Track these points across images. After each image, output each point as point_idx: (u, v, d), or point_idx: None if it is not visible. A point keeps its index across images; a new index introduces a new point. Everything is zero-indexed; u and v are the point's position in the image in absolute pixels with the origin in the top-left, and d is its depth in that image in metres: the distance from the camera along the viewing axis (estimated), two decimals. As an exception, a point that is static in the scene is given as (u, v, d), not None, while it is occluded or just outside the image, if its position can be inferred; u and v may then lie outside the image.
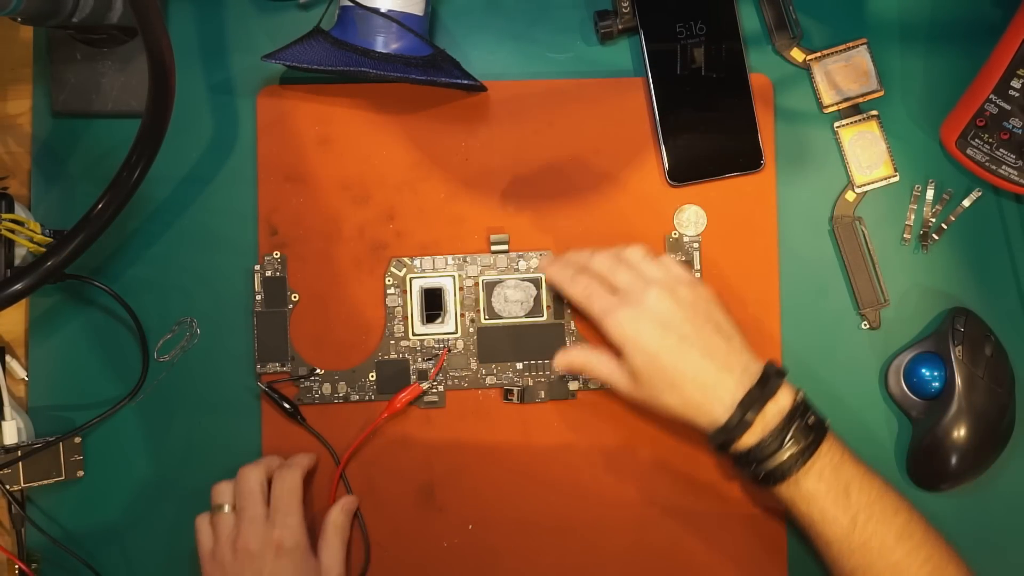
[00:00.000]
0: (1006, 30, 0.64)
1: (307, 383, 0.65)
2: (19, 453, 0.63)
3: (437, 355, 0.65)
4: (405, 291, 0.65)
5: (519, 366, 0.66)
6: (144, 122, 0.56)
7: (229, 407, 0.66)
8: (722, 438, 0.57)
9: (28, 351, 0.67)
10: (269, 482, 0.61)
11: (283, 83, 0.67)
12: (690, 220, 0.67)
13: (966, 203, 0.67)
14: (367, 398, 0.65)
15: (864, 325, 0.67)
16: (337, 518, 0.63)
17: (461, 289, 0.65)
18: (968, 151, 0.65)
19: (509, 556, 0.66)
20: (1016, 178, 0.64)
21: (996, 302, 0.67)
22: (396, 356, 0.65)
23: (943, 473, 0.64)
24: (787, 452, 0.56)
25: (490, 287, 0.65)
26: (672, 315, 0.57)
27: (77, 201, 0.66)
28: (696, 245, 0.66)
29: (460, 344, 0.65)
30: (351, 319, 0.66)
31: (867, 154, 0.67)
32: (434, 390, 0.65)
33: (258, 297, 0.65)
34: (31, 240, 0.62)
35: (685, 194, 0.67)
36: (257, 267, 0.65)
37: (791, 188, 0.67)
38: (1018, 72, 0.63)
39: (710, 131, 0.66)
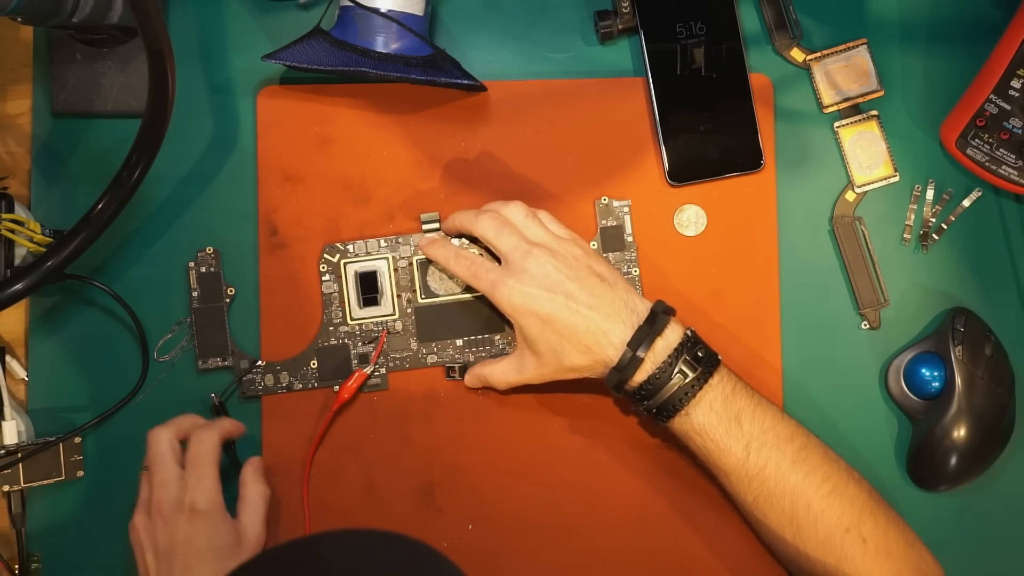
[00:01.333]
0: (1006, 30, 0.64)
1: (249, 376, 0.65)
2: (19, 453, 0.63)
3: (376, 338, 0.65)
4: (340, 276, 0.65)
5: (459, 343, 0.66)
6: (144, 122, 0.56)
7: (229, 407, 0.66)
8: (616, 377, 0.58)
9: (28, 351, 0.67)
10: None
11: (283, 83, 0.67)
12: (690, 220, 0.67)
13: (966, 203, 0.67)
14: (310, 386, 0.65)
15: (864, 325, 0.67)
16: (251, 476, 0.62)
17: (396, 271, 0.65)
18: (968, 151, 0.65)
19: (509, 556, 0.66)
20: (1016, 178, 0.64)
21: (996, 302, 0.67)
22: (336, 342, 0.65)
23: (943, 473, 0.64)
24: (676, 384, 0.57)
25: (424, 266, 0.66)
26: (555, 276, 0.58)
27: (77, 201, 0.66)
28: (626, 210, 0.66)
29: (399, 325, 0.66)
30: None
31: (867, 154, 0.67)
32: (376, 373, 0.65)
33: (194, 294, 0.65)
34: (31, 240, 0.62)
35: (685, 194, 0.67)
36: (192, 264, 0.65)
37: (791, 188, 0.67)
38: (1018, 72, 0.63)
39: (710, 131, 0.66)
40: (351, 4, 0.62)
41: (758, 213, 0.67)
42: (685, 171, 0.66)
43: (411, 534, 0.65)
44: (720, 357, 0.59)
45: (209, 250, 0.66)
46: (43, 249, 0.62)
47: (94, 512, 0.66)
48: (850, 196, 0.67)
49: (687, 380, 0.57)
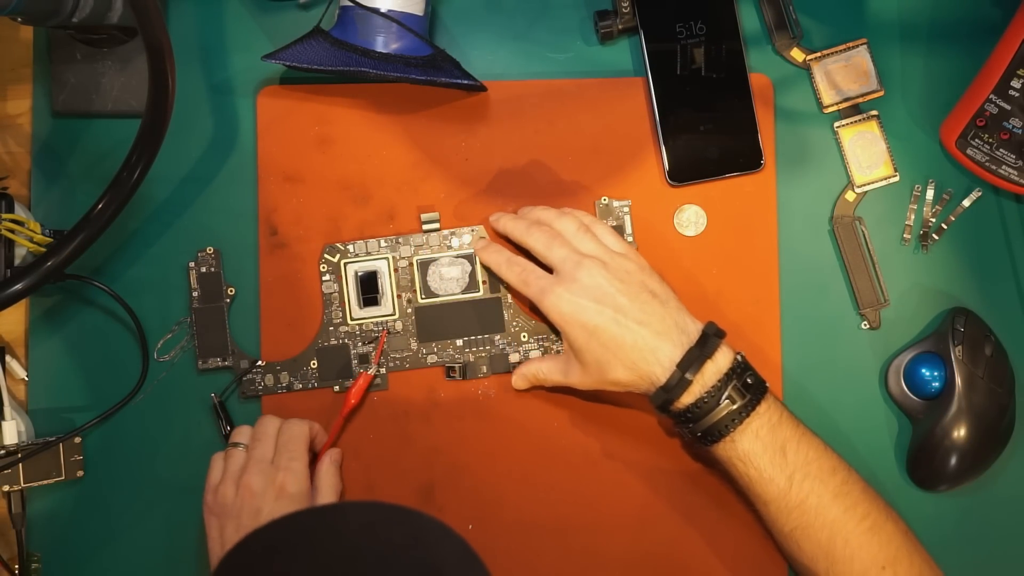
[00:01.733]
0: (1006, 30, 0.64)
1: (249, 376, 0.65)
2: (19, 453, 0.63)
3: (376, 338, 0.65)
4: (340, 276, 0.65)
5: (459, 343, 0.66)
6: (144, 122, 0.56)
7: (229, 407, 0.66)
8: (663, 398, 0.57)
9: (28, 351, 0.67)
10: None
11: (283, 83, 0.67)
12: (690, 220, 0.67)
13: (966, 203, 0.67)
14: (310, 386, 0.65)
15: (864, 325, 0.67)
16: (328, 469, 0.63)
17: (396, 271, 0.65)
18: (968, 151, 0.65)
19: (509, 556, 0.66)
20: (1016, 178, 0.64)
21: (996, 302, 0.67)
22: (336, 342, 0.65)
23: (943, 473, 0.64)
24: (724, 410, 0.56)
25: (424, 266, 0.65)
26: (606, 288, 0.58)
27: (77, 201, 0.66)
28: (626, 210, 0.66)
29: (399, 325, 0.65)
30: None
31: (867, 154, 0.67)
32: (376, 373, 0.65)
33: (195, 294, 0.65)
34: (31, 240, 0.62)
35: (685, 194, 0.67)
36: (192, 264, 0.65)
37: (791, 188, 0.67)
38: (1018, 72, 0.63)
39: (710, 131, 0.66)
40: (351, 4, 0.62)
41: (758, 213, 0.67)
42: (685, 171, 0.66)
43: (411, 534, 0.65)
44: (768, 385, 0.59)
45: (209, 250, 0.66)
46: (43, 249, 0.62)
47: (94, 512, 0.65)
48: (850, 196, 0.67)
49: (735, 407, 0.56)
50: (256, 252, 0.66)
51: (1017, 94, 0.63)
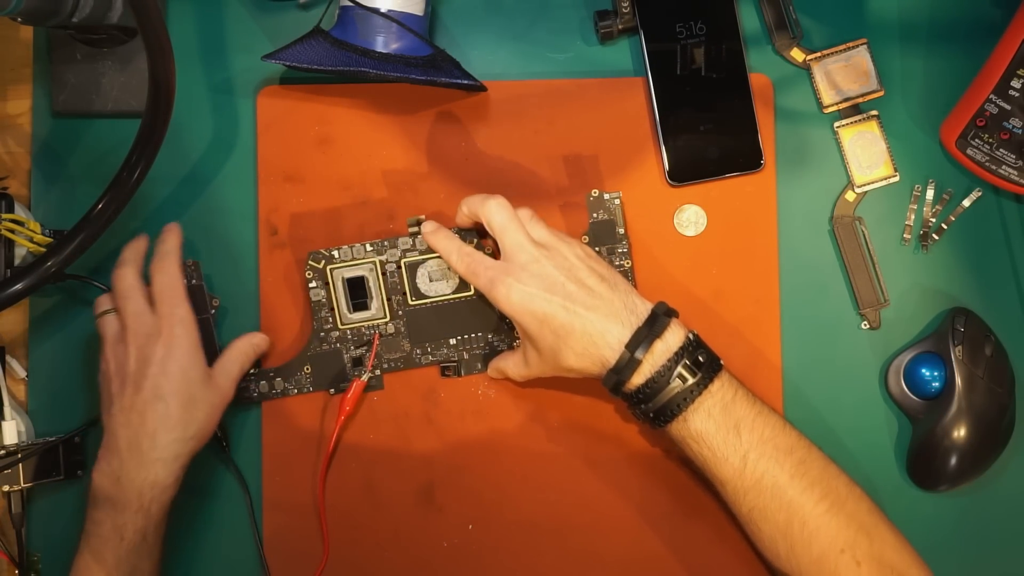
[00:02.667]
0: (1006, 30, 0.64)
1: (243, 383, 0.64)
2: (19, 453, 0.63)
3: (369, 342, 0.65)
4: (328, 282, 0.65)
5: (452, 342, 0.66)
6: (144, 122, 0.56)
7: (228, 406, 0.66)
8: (614, 379, 0.57)
9: (28, 351, 0.67)
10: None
11: (283, 83, 0.67)
12: (690, 220, 0.67)
13: (966, 203, 0.67)
14: (305, 390, 0.65)
15: (864, 325, 0.67)
16: (245, 343, 0.63)
17: (384, 274, 0.65)
18: (968, 151, 0.65)
19: (509, 556, 0.66)
20: (1016, 178, 0.64)
21: (996, 302, 0.67)
22: (328, 348, 0.65)
23: (943, 473, 0.64)
24: (675, 389, 0.56)
25: (413, 268, 0.65)
26: (555, 277, 0.57)
27: (77, 201, 0.66)
28: (617, 202, 0.65)
29: (391, 328, 0.65)
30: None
31: (867, 154, 0.67)
32: (370, 376, 0.65)
33: None
34: (31, 240, 0.62)
35: (685, 194, 0.67)
36: None
37: (791, 188, 0.67)
38: (1018, 72, 0.63)
39: (710, 131, 0.66)
40: (351, 4, 0.62)
41: (758, 213, 0.67)
42: (685, 171, 0.66)
43: (411, 534, 0.66)
44: (722, 362, 0.58)
45: (189, 262, 0.65)
46: (43, 249, 0.62)
47: (94, 512, 0.65)
48: (850, 196, 0.67)
49: (686, 385, 0.56)
50: (256, 252, 0.66)
51: (1017, 94, 0.63)
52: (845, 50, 0.67)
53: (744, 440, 0.57)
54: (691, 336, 0.58)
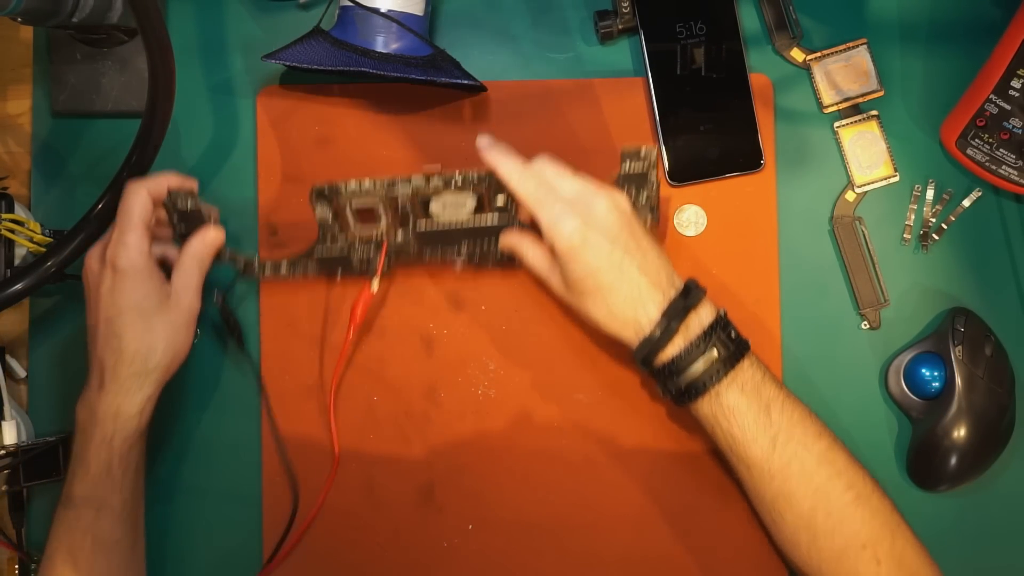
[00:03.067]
0: (1006, 30, 0.64)
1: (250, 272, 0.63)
2: (19, 453, 0.63)
3: (378, 248, 0.62)
4: (333, 204, 0.61)
5: (464, 249, 0.63)
6: (144, 122, 0.56)
7: (229, 406, 0.66)
8: (647, 349, 0.56)
9: (28, 351, 0.67)
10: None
11: (283, 83, 0.67)
12: (690, 220, 0.67)
13: (966, 203, 0.67)
14: (309, 273, 0.64)
15: (864, 325, 0.67)
16: (196, 245, 0.60)
17: (394, 206, 0.61)
18: (968, 151, 0.65)
19: (509, 556, 0.66)
20: (1016, 178, 0.64)
21: (996, 302, 0.67)
22: (335, 248, 0.63)
23: (943, 473, 0.64)
24: (708, 361, 0.55)
25: (426, 201, 0.61)
26: (619, 229, 0.56)
27: (77, 201, 0.66)
28: (653, 156, 0.60)
29: (400, 237, 0.62)
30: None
31: (867, 154, 0.67)
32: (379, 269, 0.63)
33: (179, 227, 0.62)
34: (31, 240, 0.62)
35: (685, 194, 0.67)
36: (166, 202, 0.61)
37: (791, 188, 0.67)
38: (1018, 72, 0.63)
39: (710, 131, 0.66)
40: (351, 4, 0.62)
41: (758, 213, 0.67)
42: (685, 171, 0.66)
43: (411, 534, 0.66)
44: (750, 344, 0.57)
45: (184, 190, 0.61)
46: (43, 249, 0.62)
47: (94, 512, 0.65)
48: (850, 196, 0.67)
49: (719, 357, 0.55)
50: (255, 251, 0.66)
51: (1017, 94, 0.63)
52: (845, 50, 0.67)
53: (774, 421, 0.56)
54: (722, 312, 0.57)
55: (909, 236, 0.67)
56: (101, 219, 0.58)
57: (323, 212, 0.61)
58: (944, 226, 0.67)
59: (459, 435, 0.66)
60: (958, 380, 0.63)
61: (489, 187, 0.59)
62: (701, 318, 0.56)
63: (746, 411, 0.56)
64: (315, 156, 0.67)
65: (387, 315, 0.66)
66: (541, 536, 0.66)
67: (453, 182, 0.59)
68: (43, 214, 0.66)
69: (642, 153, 0.59)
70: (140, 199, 0.58)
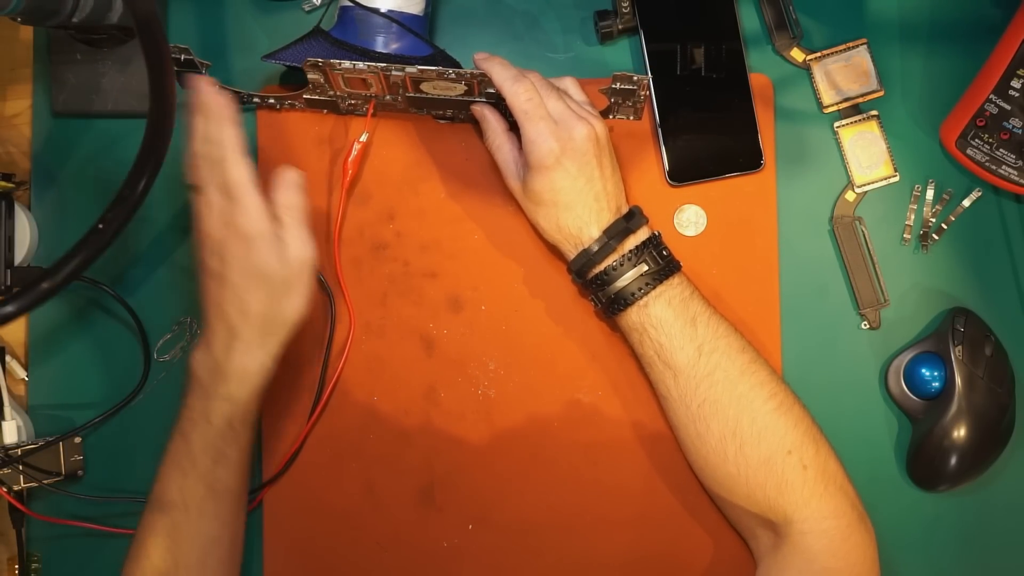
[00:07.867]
0: (1006, 30, 0.64)
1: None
2: (19, 453, 0.63)
3: (366, 100, 0.63)
4: (325, 69, 0.59)
5: (448, 115, 0.65)
6: (145, 141, 0.55)
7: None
8: (583, 261, 0.60)
9: (28, 351, 0.67)
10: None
11: (283, 83, 0.67)
12: (690, 220, 0.67)
13: (966, 203, 0.67)
14: (297, 108, 0.64)
15: (864, 325, 0.67)
16: (288, 180, 0.58)
17: (387, 82, 0.61)
18: (968, 151, 0.65)
19: (509, 556, 0.66)
20: (1016, 178, 0.64)
21: (996, 302, 0.67)
22: (324, 97, 0.63)
23: (943, 473, 0.64)
24: (638, 273, 0.59)
25: (417, 82, 0.60)
26: (590, 158, 0.59)
27: (77, 201, 0.66)
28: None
29: (388, 99, 0.63)
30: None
31: (867, 154, 0.67)
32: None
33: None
34: None
35: (685, 194, 0.67)
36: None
37: (791, 188, 0.67)
38: (1018, 72, 0.63)
39: (710, 131, 0.66)
40: (351, 4, 0.62)
41: (758, 213, 0.67)
42: (685, 171, 0.66)
43: (411, 534, 0.66)
44: (681, 264, 0.61)
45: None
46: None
47: (94, 512, 0.65)
48: (850, 196, 0.67)
49: (649, 272, 0.59)
50: (256, 252, 0.66)
51: (1017, 94, 0.63)
52: (845, 50, 0.67)
53: (700, 333, 0.59)
54: (657, 233, 0.61)
55: (909, 236, 0.67)
56: (100, 240, 0.57)
57: (316, 75, 0.61)
58: (944, 226, 0.67)
59: (459, 435, 0.66)
60: (958, 380, 0.63)
61: (480, 83, 0.61)
62: (638, 238, 0.60)
63: (672, 322, 0.59)
64: (315, 157, 0.66)
65: (387, 315, 0.66)
66: (541, 536, 0.66)
67: (447, 75, 0.60)
68: (43, 214, 0.66)
69: (635, 79, 0.61)
70: (246, 164, 0.56)
